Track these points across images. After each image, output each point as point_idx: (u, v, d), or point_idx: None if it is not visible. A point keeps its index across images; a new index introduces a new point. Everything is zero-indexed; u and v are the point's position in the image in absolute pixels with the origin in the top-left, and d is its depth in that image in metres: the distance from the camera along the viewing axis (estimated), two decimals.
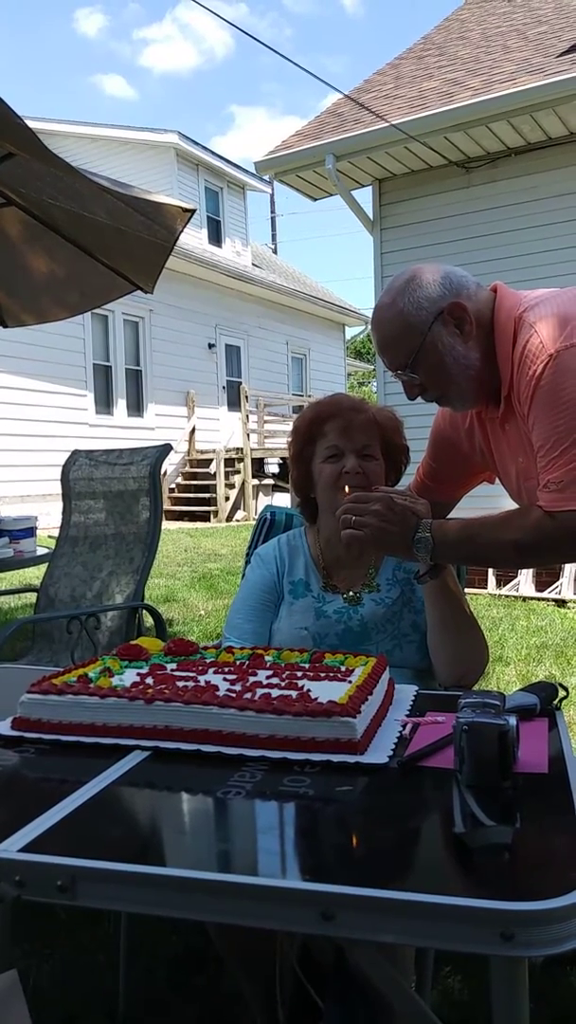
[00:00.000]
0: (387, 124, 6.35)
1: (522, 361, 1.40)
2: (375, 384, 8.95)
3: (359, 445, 1.63)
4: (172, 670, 1.28)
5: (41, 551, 3.53)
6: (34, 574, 5.12)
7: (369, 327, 1.55)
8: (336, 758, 1.04)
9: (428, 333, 1.44)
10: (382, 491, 1.51)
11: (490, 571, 6.60)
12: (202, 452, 13.47)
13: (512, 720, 0.98)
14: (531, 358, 1.37)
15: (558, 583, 6.23)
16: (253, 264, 15.77)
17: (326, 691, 1.14)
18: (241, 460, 12.83)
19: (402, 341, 1.47)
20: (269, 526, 1.96)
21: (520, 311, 1.45)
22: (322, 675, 1.24)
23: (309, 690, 1.16)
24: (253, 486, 12.85)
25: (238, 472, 12.81)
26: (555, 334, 1.36)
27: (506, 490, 1.68)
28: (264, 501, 12.84)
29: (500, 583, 6.56)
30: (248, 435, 12.92)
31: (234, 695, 1.13)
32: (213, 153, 14.30)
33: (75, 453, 3.29)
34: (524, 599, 6.17)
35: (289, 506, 2.00)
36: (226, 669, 1.28)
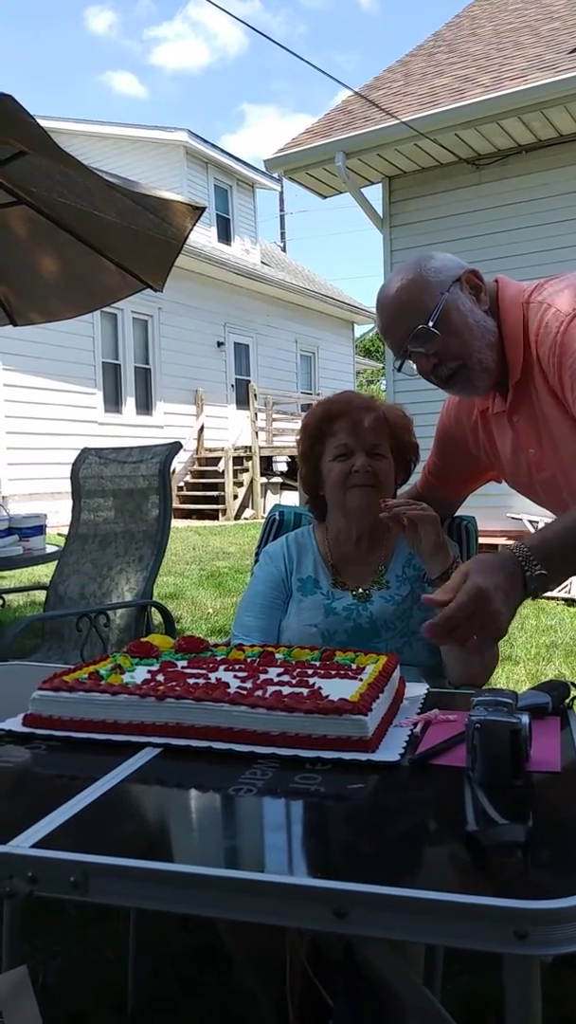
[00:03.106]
0: (397, 121, 6.34)
1: (540, 334, 1.37)
2: (384, 382, 8.94)
3: (369, 444, 1.62)
4: (183, 667, 1.29)
5: (50, 549, 3.54)
6: (43, 572, 5.14)
7: (376, 308, 1.49)
8: (347, 756, 1.03)
9: (447, 293, 1.40)
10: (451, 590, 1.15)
11: None
12: (211, 450, 13.48)
13: (524, 718, 0.97)
14: (549, 326, 1.35)
15: (568, 582, 6.20)
16: (262, 262, 15.77)
17: (337, 689, 1.14)
18: (250, 458, 12.83)
19: (421, 301, 1.41)
20: (278, 526, 1.96)
21: (526, 296, 1.43)
22: (333, 673, 1.24)
23: (320, 688, 1.16)
24: (261, 484, 12.86)
25: (247, 470, 12.82)
26: (571, 299, 1.35)
27: (514, 488, 1.67)
28: (272, 499, 12.84)
29: None
30: (256, 433, 12.93)
31: (245, 692, 1.13)
32: (222, 151, 14.31)
33: (84, 451, 3.29)
34: (533, 598, 6.14)
35: (298, 504, 2.00)
36: (237, 666, 1.28)
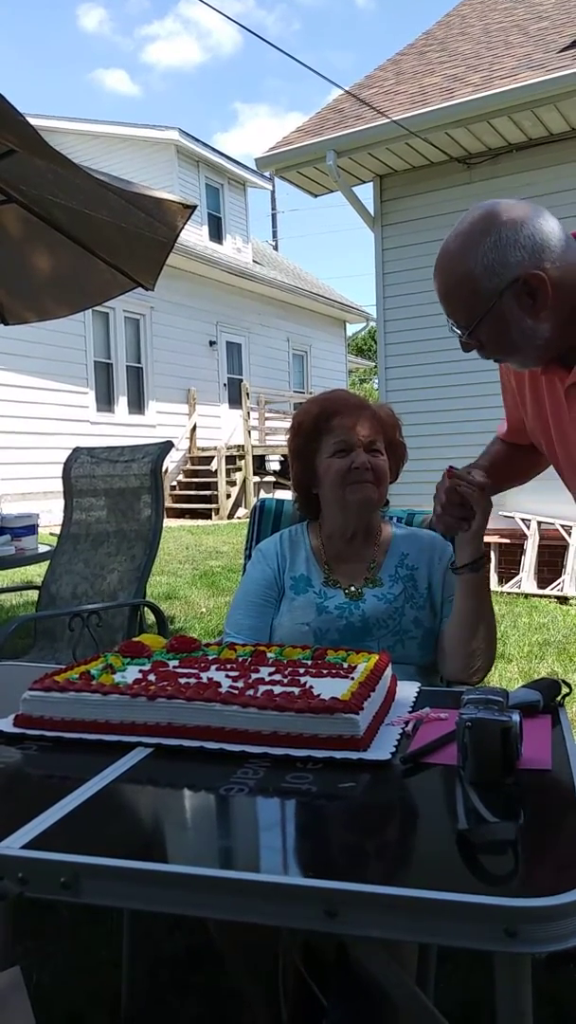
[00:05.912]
0: (388, 120, 6.34)
1: None
2: (376, 381, 8.94)
3: (368, 440, 1.63)
4: (174, 667, 1.28)
5: (43, 548, 3.53)
6: (36, 571, 5.13)
7: (433, 272, 1.38)
8: (339, 755, 1.04)
9: (497, 302, 1.29)
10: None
11: (492, 568, 6.60)
12: (203, 449, 13.47)
13: (515, 716, 0.98)
14: None
15: (560, 580, 6.22)
16: (254, 261, 15.75)
17: (329, 688, 1.14)
18: (242, 457, 12.82)
19: (466, 304, 1.33)
20: (261, 514, 1.99)
21: None
22: (324, 672, 1.24)
23: (311, 687, 1.16)
24: (254, 483, 12.84)
25: (239, 469, 12.80)
26: None
27: (554, 458, 1.58)
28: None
29: (502, 580, 6.56)
30: (249, 432, 12.92)
31: (236, 692, 1.13)
32: (214, 150, 14.28)
33: (76, 450, 3.29)
34: (526, 596, 6.16)
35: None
36: (228, 666, 1.28)
